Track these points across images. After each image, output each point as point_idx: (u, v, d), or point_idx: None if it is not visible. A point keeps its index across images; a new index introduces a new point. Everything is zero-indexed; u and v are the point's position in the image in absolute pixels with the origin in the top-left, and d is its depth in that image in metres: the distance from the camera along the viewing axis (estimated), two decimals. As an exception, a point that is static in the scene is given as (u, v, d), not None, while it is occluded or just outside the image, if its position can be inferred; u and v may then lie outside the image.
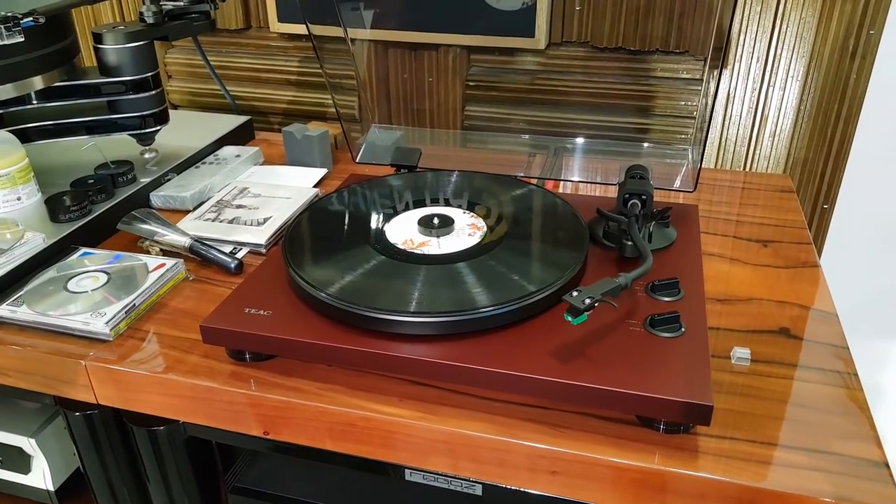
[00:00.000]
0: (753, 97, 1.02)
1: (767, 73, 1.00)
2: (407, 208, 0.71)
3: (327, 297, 0.57)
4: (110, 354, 0.62)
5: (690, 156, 0.97)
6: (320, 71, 1.18)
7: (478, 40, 1.07)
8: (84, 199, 0.78)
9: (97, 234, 0.78)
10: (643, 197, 0.66)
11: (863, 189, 1.06)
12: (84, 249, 0.74)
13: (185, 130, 0.98)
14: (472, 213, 0.69)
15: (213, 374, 0.60)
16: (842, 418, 0.54)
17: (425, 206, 0.72)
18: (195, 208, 0.83)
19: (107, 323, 0.63)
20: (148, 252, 0.76)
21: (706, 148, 1.06)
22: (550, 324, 0.57)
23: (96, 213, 0.78)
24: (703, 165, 1.08)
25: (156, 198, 0.85)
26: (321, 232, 0.69)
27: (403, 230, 0.67)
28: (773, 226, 0.80)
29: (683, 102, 1.05)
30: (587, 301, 0.52)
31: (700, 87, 1.03)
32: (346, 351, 0.55)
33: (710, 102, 0.96)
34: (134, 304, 0.66)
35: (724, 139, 1.07)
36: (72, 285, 0.68)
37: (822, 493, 0.47)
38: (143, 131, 0.86)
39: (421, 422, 0.55)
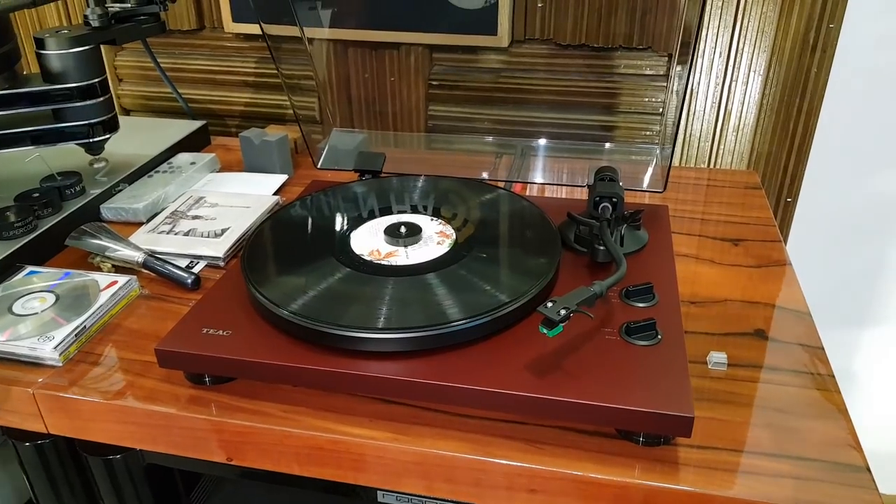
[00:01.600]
0: (716, 92, 1.02)
1: (730, 68, 1.00)
2: (372, 216, 0.69)
3: (290, 315, 0.54)
4: (60, 381, 0.59)
5: (658, 154, 0.97)
6: (276, 72, 1.15)
7: (440, 39, 1.05)
8: (29, 214, 0.73)
9: (44, 251, 0.74)
10: (613, 200, 0.65)
11: (825, 182, 1.07)
12: (30, 268, 0.70)
13: (136, 138, 0.94)
14: (440, 220, 0.67)
15: (171, 399, 0.57)
16: (822, 422, 0.53)
17: (391, 213, 0.69)
18: (148, 220, 0.79)
19: (55, 348, 0.60)
20: (99, 269, 0.72)
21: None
22: (524, 335, 0.55)
23: (42, 228, 0.74)
24: (660, 162, 1.07)
25: (106, 210, 0.81)
26: (282, 244, 0.66)
27: (369, 240, 0.64)
28: (741, 224, 0.79)
29: (647, 99, 1.04)
30: (562, 312, 0.50)
31: (664, 84, 1.02)
32: (312, 371, 0.53)
33: (679, 101, 0.95)
34: (84, 326, 0.63)
35: (688, 135, 1.06)
36: (17, 307, 0.64)
37: (809, 502, 0.46)
38: (91, 140, 0.82)
39: (393, 443, 0.52)
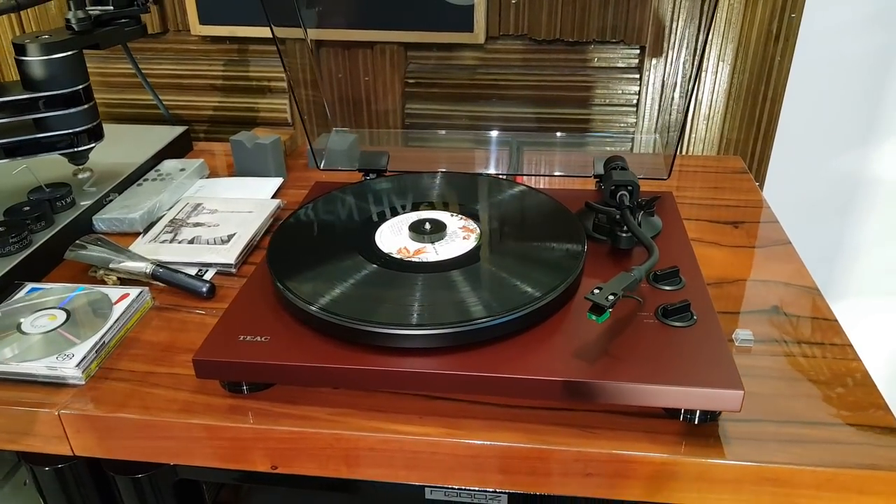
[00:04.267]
0: (685, 84, 1.05)
1: (698, 60, 1.03)
2: (390, 215, 0.68)
3: (336, 318, 0.54)
4: (86, 400, 0.56)
5: (644, 142, 0.99)
6: (247, 74, 1.12)
7: (415, 37, 1.05)
8: (23, 229, 0.70)
9: (39, 267, 0.71)
10: (629, 187, 0.66)
11: (788, 165, 1.12)
12: (31, 285, 0.67)
13: (117, 146, 0.90)
14: (460, 216, 0.67)
15: (210, 410, 0.55)
16: (850, 389, 0.55)
17: (408, 211, 0.69)
18: (146, 230, 0.77)
19: (77, 365, 0.57)
20: (103, 282, 0.69)
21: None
22: (562, 324, 0.56)
23: (37, 243, 0.71)
24: (641, 151, 1.11)
25: (100, 222, 0.78)
26: (307, 246, 0.65)
27: (394, 238, 0.64)
28: (737, 207, 0.82)
29: (621, 91, 1.06)
30: (611, 298, 0.51)
31: (637, 76, 1.05)
32: (360, 372, 0.52)
33: (688, 89, 0.97)
34: (104, 342, 0.60)
35: (660, 126, 1.09)
36: (26, 326, 0.61)
37: (855, 464, 0.49)
38: (76, 149, 0.78)
39: (447, 438, 0.52)
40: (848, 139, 1.11)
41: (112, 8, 0.79)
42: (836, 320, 0.63)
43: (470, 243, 0.63)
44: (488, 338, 0.54)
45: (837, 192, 1.15)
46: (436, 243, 0.63)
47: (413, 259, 0.61)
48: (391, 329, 0.53)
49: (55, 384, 0.58)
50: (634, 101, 1.07)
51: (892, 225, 1.17)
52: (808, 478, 0.49)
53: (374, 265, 0.60)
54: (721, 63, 1.04)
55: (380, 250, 0.62)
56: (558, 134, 1.08)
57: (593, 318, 0.52)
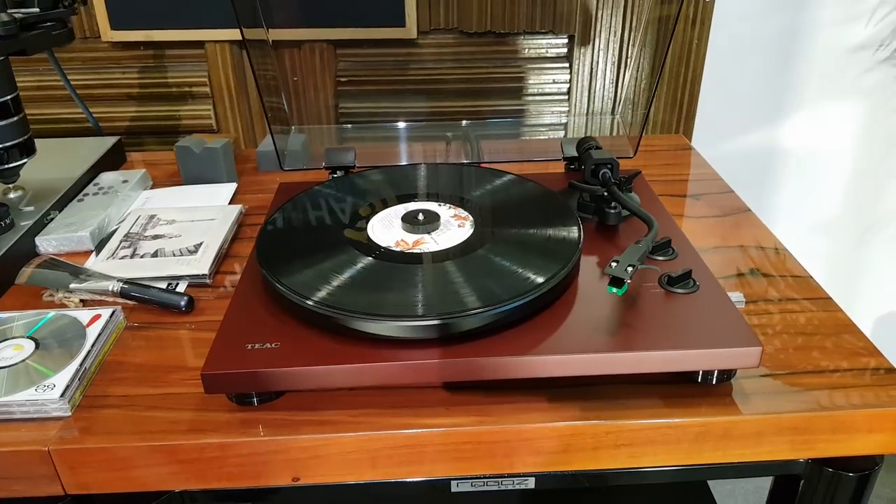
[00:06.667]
0: (613, 70, 1.09)
1: (625, 46, 1.07)
2: (377, 209, 0.66)
3: (354, 315, 0.51)
4: (76, 433, 0.51)
5: (572, 126, 1.02)
6: (165, 81, 1.07)
7: (346, 34, 1.03)
8: (-37, 256, 0.63)
9: (-15, 296, 0.64)
10: (609, 165, 0.68)
11: (708, 142, 1.19)
12: (-17, 316, 0.60)
13: (45, 161, 0.82)
14: (449, 205, 0.66)
15: (221, 426, 0.52)
16: (840, 338, 0.59)
17: (394, 204, 0.67)
18: (98, 247, 0.71)
19: (61, 395, 0.52)
20: (64, 305, 0.63)
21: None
22: (573, 304, 0.56)
23: (-19, 270, 0.64)
24: (572, 136, 1.14)
25: (45, 242, 0.71)
26: (299, 247, 0.61)
27: (387, 231, 0.62)
28: (692, 180, 0.86)
29: (553, 80, 1.09)
30: (629, 270, 0.52)
31: (566, 64, 1.08)
32: (389, 368, 0.51)
33: (663, 62, 1.01)
34: (85, 368, 0.55)
35: (591, 112, 1.13)
36: (-10, 361, 0.55)
37: (864, 405, 0.52)
38: (6, 166, 0.71)
39: (477, 426, 0.51)
40: (760, 115, 1.18)
41: (38, 10, 0.72)
42: (811, 277, 0.67)
43: (466, 231, 0.62)
44: (507, 322, 0.53)
45: (752, 166, 1.23)
46: (432, 233, 0.61)
47: (414, 250, 0.60)
48: (412, 321, 0.51)
49: (35, 419, 0.52)
50: (566, 90, 1.09)
51: (802, 193, 1.26)
52: (824, 422, 0.52)
53: (378, 260, 0.58)
54: (644, 48, 1.08)
55: (376, 244, 0.60)
56: (499, 122, 1.09)
57: (613, 290, 0.52)
